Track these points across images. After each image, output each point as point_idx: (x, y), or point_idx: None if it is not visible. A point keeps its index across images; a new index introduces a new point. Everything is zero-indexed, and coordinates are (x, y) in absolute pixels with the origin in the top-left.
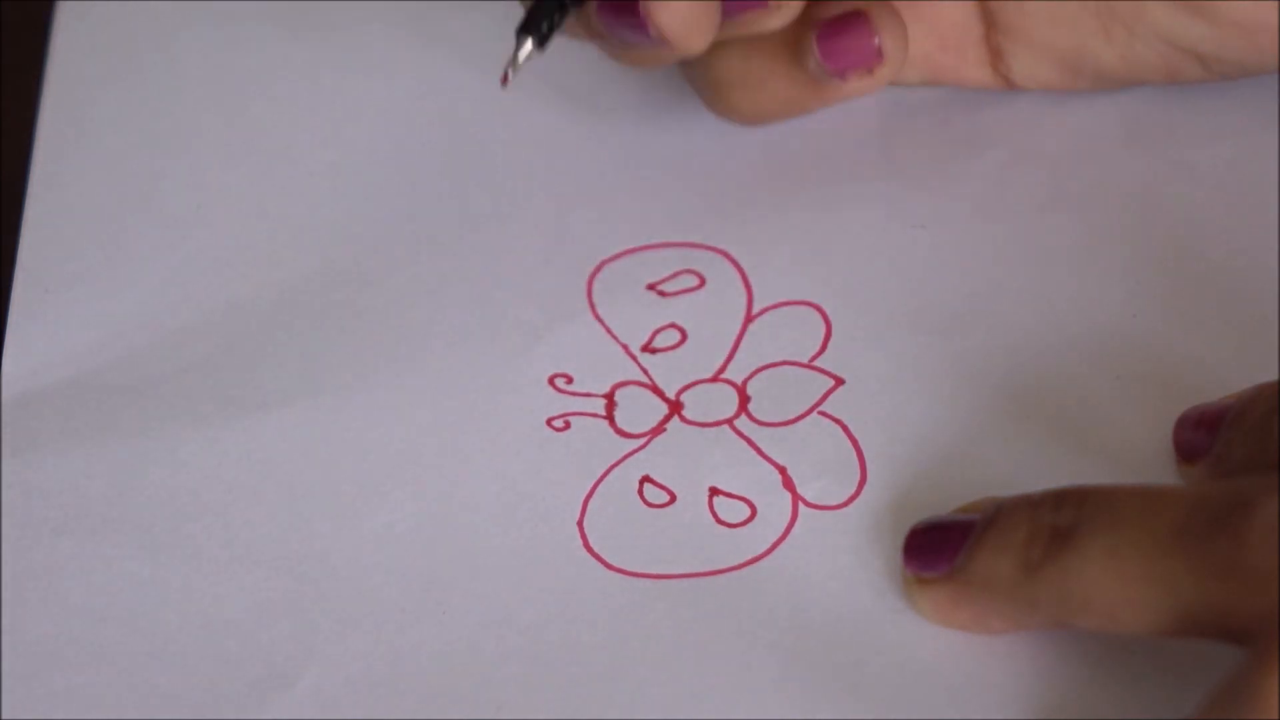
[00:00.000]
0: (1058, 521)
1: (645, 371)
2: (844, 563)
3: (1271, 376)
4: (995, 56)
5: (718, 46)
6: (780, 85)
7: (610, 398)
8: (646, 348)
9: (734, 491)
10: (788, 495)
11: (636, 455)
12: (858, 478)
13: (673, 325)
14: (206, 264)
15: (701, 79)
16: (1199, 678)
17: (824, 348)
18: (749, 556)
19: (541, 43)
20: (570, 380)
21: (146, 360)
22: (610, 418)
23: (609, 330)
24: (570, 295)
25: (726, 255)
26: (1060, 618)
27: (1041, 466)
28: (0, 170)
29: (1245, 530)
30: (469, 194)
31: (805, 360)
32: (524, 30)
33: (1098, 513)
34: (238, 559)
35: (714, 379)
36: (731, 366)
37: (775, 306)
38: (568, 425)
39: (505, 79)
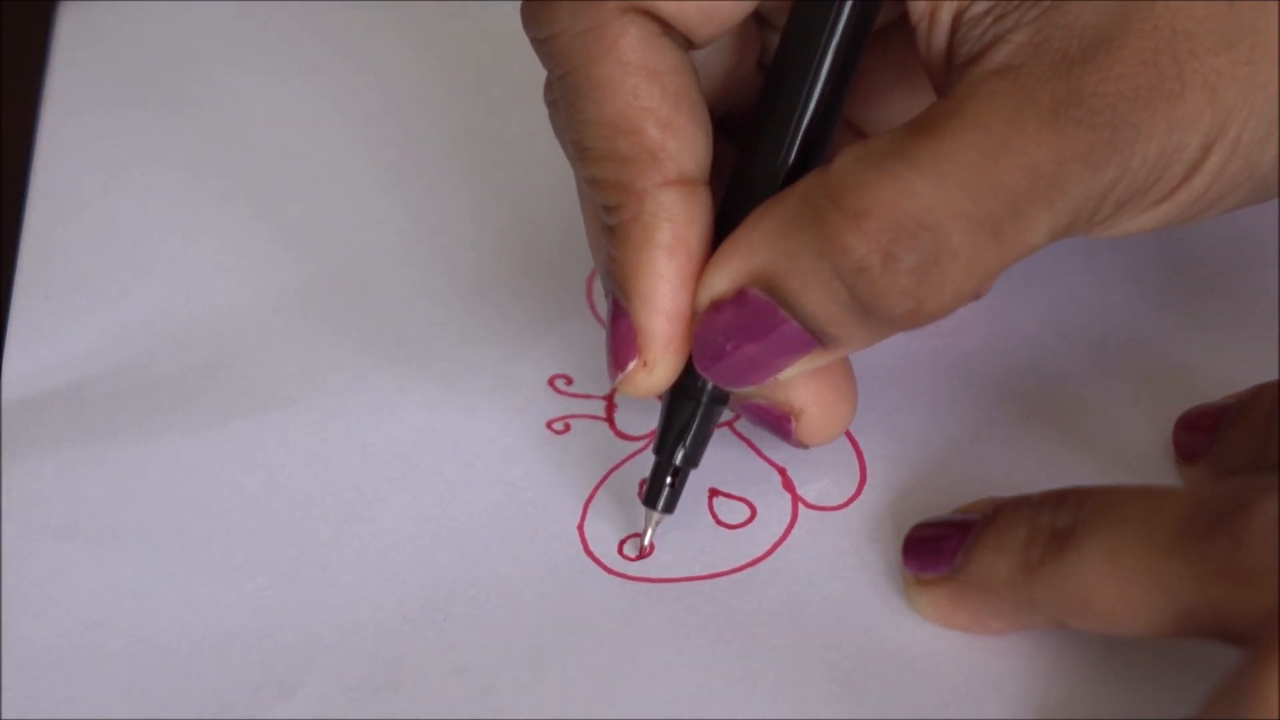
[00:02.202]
0: (1057, 523)
1: None
2: (844, 563)
3: (1271, 376)
4: None
5: None
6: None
7: (610, 399)
8: None
9: (734, 492)
10: (788, 496)
11: (637, 457)
12: (858, 478)
13: None
14: (206, 268)
15: None
16: (1199, 678)
17: None
18: (749, 558)
19: (672, 509)
20: (570, 381)
21: (146, 365)
22: (610, 419)
23: None
24: (569, 296)
25: None
26: (1060, 618)
27: (1041, 466)
28: (1, 175)
29: (1244, 531)
30: (468, 195)
31: None
32: (650, 503)
33: (1097, 514)
34: (238, 565)
35: None
36: None
37: None
38: (568, 428)
39: (647, 551)
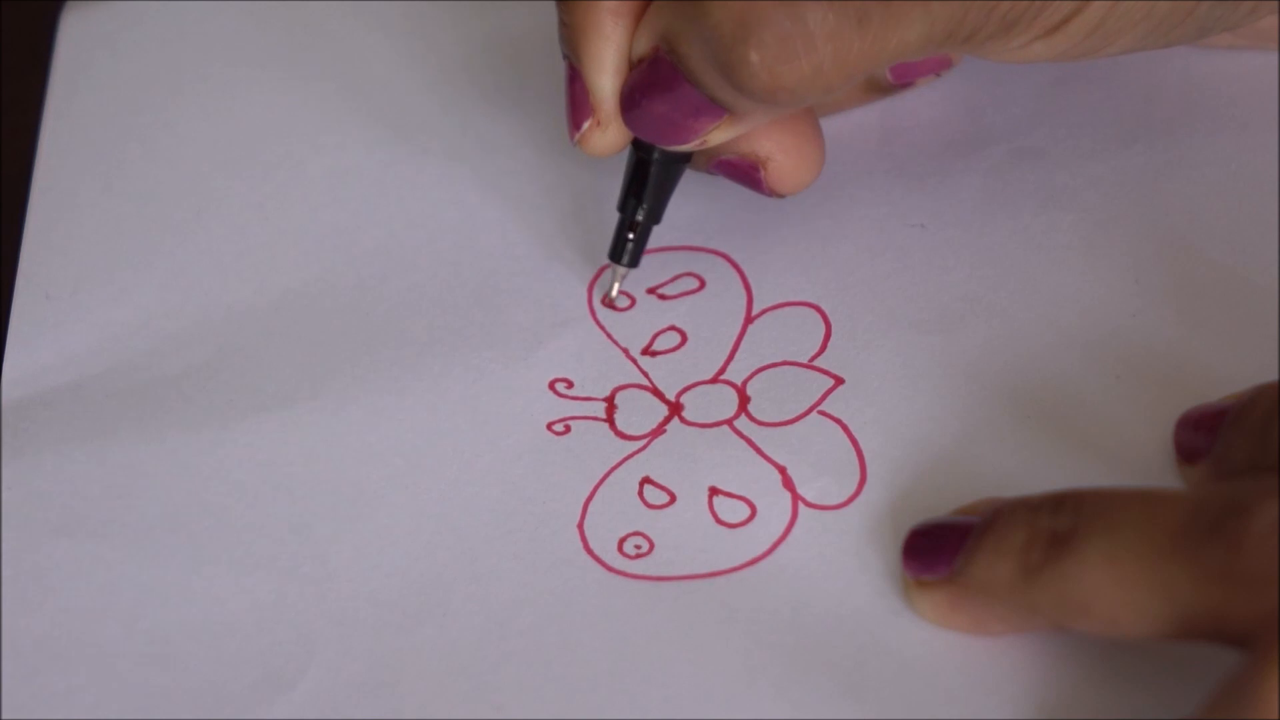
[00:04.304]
0: (1056, 525)
1: (645, 374)
2: (844, 563)
3: (1271, 376)
4: None
5: None
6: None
7: (610, 401)
8: (647, 350)
9: (734, 491)
10: (788, 495)
11: (637, 457)
12: (858, 477)
13: (673, 328)
14: (206, 269)
15: None
16: (1199, 678)
17: (824, 348)
18: (749, 557)
19: (634, 262)
20: (571, 385)
21: (147, 364)
22: (610, 420)
23: (609, 334)
24: (571, 300)
25: (726, 257)
26: (1059, 621)
27: (1041, 466)
28: (1, 175)
29: (1243, 535)
30: (470, 199)
31: (805, 360)
32: (614, 257)
33: (1096, 517)
34: (238, 561)
35: (714, 380)
36: (731, 367)
37: (775, 307)
38: (568, 429)
39: (607, 302)
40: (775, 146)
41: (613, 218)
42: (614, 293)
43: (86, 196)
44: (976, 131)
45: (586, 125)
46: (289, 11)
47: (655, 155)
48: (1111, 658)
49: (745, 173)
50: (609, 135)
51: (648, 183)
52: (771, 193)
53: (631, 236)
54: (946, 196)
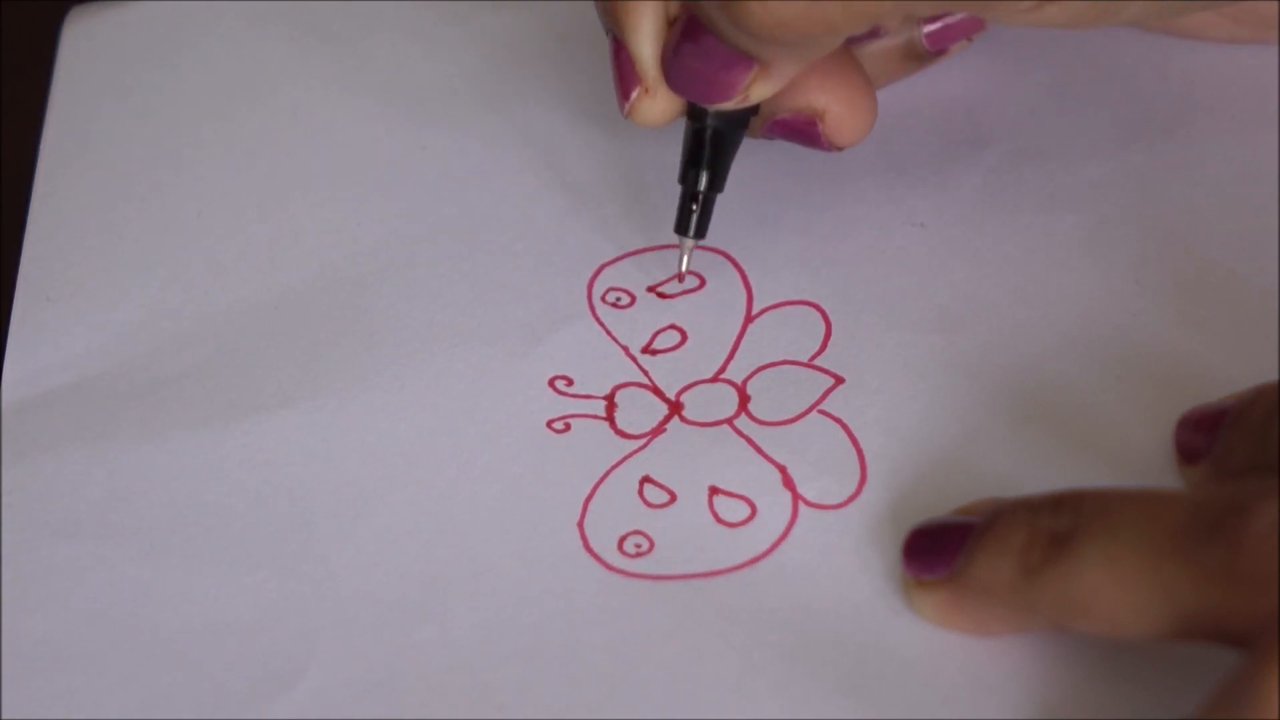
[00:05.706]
0: (1056, 526)
1: (645, 372)
2: (844, 562)
3: (1271, 376)
4: None
5: None
6: (872, 66)
7: (610, 399)
8: (647, 349)
9: (734, 491)
10: (788, 494)
11: (637, 455)
12: (858, 477)
13: (673, 326)
14: (206, 269)
15: None
16: (1199, 678)
17: (824, 347)
18: (749, 556)
19: (701, 234)
20: (571, 382)
21: (147, 365)
22: (610, 419)
23: (609, 332)
24: (570, 296)
25: (727, 255)
26: (1059, 622)
27: (1041, 466)
28: (2, 177)
29: (1243, 535)
30: (469, 197)
31: (805, 359)
32: (680, 230)
33: (1095, 517)
34: (238, 561)
35: (714, 379)
36: (731, 366)
37: (775, 306)
38: (568, 427)
39: (681, 277)
40: (831, 98)
41: (614, 215)
42: (683, 267)
43: (87, 198)
44: (976, 131)
45: (635, 94)
46: (290, 13)
47: (709, 122)
48: (1111, 658)
49: (802, 129)
50: (658, 102)
51: (705, 151)
52: (830, 146)
53: (695, 208)
54: (946, 196)
